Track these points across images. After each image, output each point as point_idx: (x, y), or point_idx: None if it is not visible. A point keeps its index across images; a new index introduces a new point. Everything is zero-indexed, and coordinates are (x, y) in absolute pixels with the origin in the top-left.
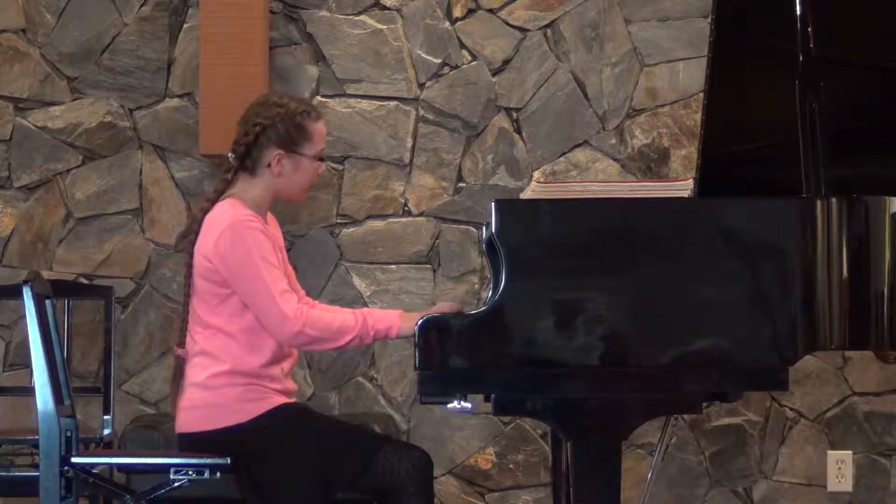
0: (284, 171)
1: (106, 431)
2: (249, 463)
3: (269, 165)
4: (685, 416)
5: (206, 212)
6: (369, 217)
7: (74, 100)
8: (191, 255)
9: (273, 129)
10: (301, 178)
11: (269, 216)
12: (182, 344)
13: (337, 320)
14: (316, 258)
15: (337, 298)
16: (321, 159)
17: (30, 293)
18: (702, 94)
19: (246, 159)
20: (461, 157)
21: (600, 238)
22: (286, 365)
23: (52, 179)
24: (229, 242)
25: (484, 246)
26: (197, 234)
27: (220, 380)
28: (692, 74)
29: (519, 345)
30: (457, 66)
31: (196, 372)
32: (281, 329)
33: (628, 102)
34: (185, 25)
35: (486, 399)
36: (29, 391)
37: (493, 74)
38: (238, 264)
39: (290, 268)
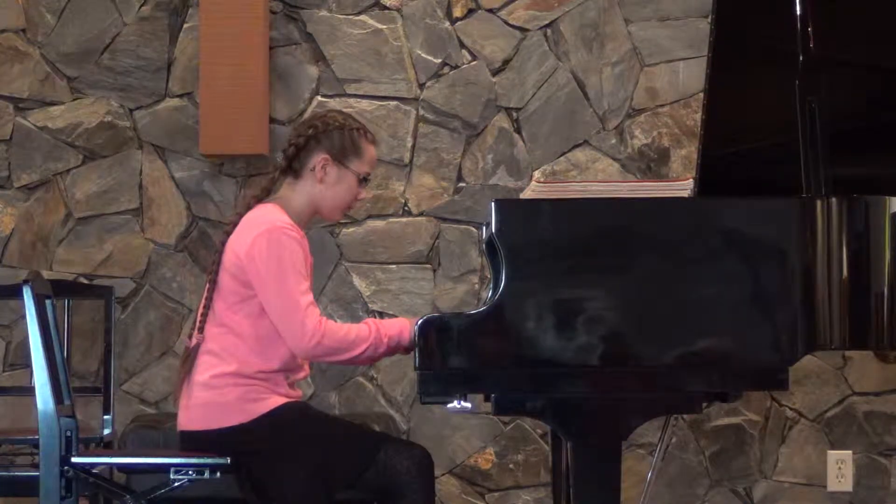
0: (327, 178)
1: (106, 431)
2: (250, 462)
3: (313, 169)
4: (685, 416)
5: (248, 208)
6: (369, 217)
7: (74, 100)
8: (221, 250)
9: (327, 135)
10: (341, 193)
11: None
12: (201, 330)
13: (352, 331)
14: (316, 258)
15: (337, 298)
16: (365, 181)
17: (30, 293)
18: (702, 94)
19: (294, 161)
20: (461, 157)
21: (600, 238)
22: (294, 376)
23: (52, 179)
24: (264, 246)
25: (484, 246)
26: (233, 228)
27: (222, 380)
28: (692, 74)
29: (519, 345)
30: (457, 66)
31: (200, 371)
32: (300, 341)
33: (628, 102)
34: (185, 25)
35: (486, 399)
36: (29, 391)
37: (493, 74)
38: (269, 270)
39: (311, 279)
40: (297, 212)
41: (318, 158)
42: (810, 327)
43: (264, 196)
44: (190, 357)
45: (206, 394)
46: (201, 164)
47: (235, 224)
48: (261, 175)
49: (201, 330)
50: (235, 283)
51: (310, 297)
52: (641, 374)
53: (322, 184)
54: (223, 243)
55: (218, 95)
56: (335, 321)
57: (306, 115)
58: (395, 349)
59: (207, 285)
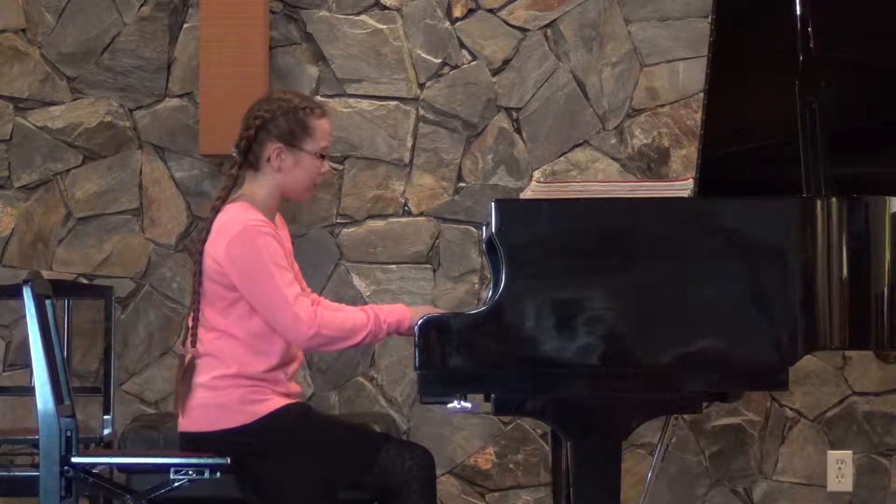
0: (284, 165)
1: (106, 431)
2: (251, 463)
3: (269, 160)
4: (685, 416)
5: (216, 211)
6: (369, 217)
7: (74, 100)
8: (200, 258)
9: (273, 122)
10: (302, 175)
11: (278, 217)
12: (194, 343)
13: (349, 319)
14: (316, 258)
15: (337, 298)
16: (323, 157)
17: (30, 293)
18: (702, 94)
19: (248, 154)
20: (461, 157)
21: (600, 238)
22: (290, 369)
23: (52, 179)
24: (241, 248)
25: (484, 246)
26: (207, 235)
27: (224, 381)
28: (692, 74)
29: (519, 345)
30: (457, 66)
31: (201, 373)
32: (296, 333)
33: (628, 102)
34: (185, 25)
35: (486, 399)
36: (29, 391)
37: (493, 74)
38: (251, 270)
39: (296, 265)
40: (265, 203)
41: (271, 148)
42: (810, 327)
43: (227, 195)
44: (188, 371)
45: (208, 395)
46: (201, 164)
47: (208, 230)
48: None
49: (194, 344)
50: (220, 289)
51: (296, 288)
52: (641, 374)
53: (281, 172)
54: (200, 252)
55: (218, 95)
56: (328, 303)
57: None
58: (395, 332)
59: (193, 297)
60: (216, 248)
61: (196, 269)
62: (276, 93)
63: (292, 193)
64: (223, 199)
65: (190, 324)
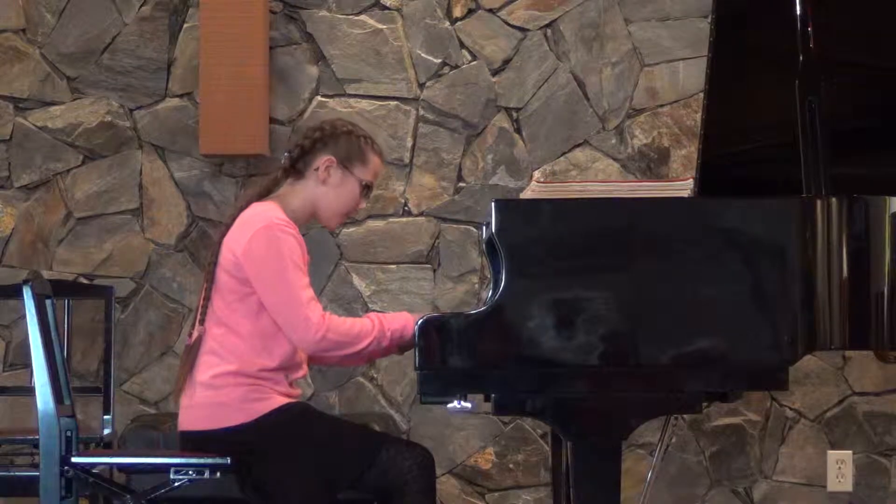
0: (330, 179)
1: (106, 431)
2: (252, 462)
3: (317, 169)
4: (685, 416)
5: (243, 208)
6: (369, 217)
7: (74, 100)
8: (218, 248)
9: (334, 139)
10: (342, 196)
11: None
12: (202, 321)
13: (356, 325)
14: (316, 258)
15: (337, 298)
16: (367, 188)
17: (30, 293)
18: (702, 94)
19: (298, 161)
20: (461, 157)
21: (600, 238)
22: (293, 376)
23: (52, 179)
24: (262, 243)
25: (484, 246)
26: (229, 227)
27: (224, 379)
28: (692, 74)
29: (519, 345)
30: (457, 66)
31: (202, 370)
32: (304, 335)
33: (628, 102)
34: (185, 25)
35: (486, 399)
36: (29, 391)
37: (493, 74)
38: (269, 267)
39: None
40: (295, 211)
41: (323, 159)
42: (810, 327)
43: (264, 195)
44: (192, 354)
45: (209, 393)
46: (201, 164)
47: (232, 220)
48: (262, 175)
49: (202, 322)
50: (233, 282)
51: (311, 291)
52: (641, 374)
53: (324, 185)
54: (219, 242)
55: (218, 95)
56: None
57: (307, 116)
58: (398, 344)
59: (205, 285)
60: (237, 240)
61: (212, 256)
62: (342, 118)
63: (324, 212)
64: (254, 198)
65: (199, 306)
